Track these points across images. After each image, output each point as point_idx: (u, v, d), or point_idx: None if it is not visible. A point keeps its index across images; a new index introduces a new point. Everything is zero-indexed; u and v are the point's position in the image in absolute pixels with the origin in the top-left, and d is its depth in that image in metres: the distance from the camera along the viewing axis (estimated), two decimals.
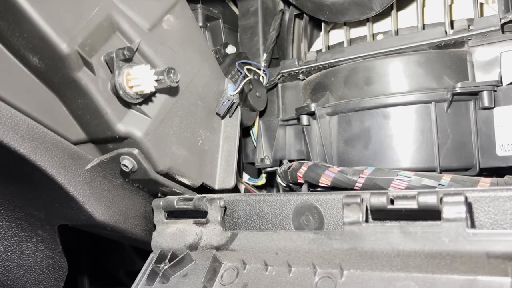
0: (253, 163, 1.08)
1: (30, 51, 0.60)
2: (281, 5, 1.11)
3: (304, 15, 1.03)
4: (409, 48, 0.83)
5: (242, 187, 1.06)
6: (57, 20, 0.58)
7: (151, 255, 0.76)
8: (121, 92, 0.64)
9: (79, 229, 0.82)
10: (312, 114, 0.92)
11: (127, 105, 0.67)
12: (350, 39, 0.94)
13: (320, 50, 0.97)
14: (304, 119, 0.94)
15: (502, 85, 0.78)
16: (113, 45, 0.65)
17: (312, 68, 0.95)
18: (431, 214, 0.53)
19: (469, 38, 0.79)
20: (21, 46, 0.60)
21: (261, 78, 1.02)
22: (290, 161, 1.02)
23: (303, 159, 0.96)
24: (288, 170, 0.86)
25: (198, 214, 0.72)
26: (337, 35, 0.98)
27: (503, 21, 0.75)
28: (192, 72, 0.79)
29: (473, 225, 0.54)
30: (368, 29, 0.91)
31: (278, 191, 1.11)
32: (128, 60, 0.66)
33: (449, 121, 0.79)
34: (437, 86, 0.81)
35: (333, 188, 0.76)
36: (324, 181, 0.76)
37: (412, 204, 0.53)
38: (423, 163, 0.79)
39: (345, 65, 0.90)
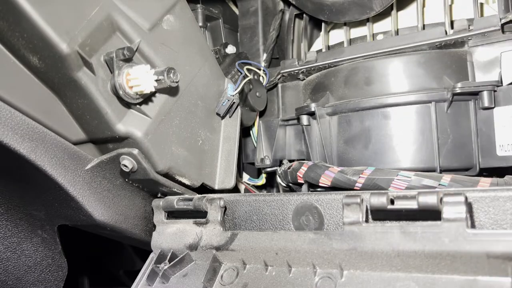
0: (253, 163, 1.08)
1: (30, 51, 0.60)
2: (281, 5, 1.11)
3: (304, 15, 1.03)
4: (409, 48, 0.83)
5: (242, 187, 1.06)
6: (57, 20, 0.58)
7: (151, 255, 0.76)
8: (121, 92, 0.64)
9: (79, 229, 0.81)
10: (312, 114, 0.92)
11: (127, 105, 0.67)
12: (350, 39, 0.94)
13: (320, 50, 0.97)
14: (304, 119, 0.94)
15: (502, 85, 0.78)
16: (113, 45, 0.65)
17: (312, 68, 0.95)
18: (431, 214, 0.53)
19: (469, 38, 0.79)
20: (21, 46, 0.60)
21: (261, 78, 1.02)
22: (290, 161, 1.02)
23: (303, 159, 0.96)
24: (288, 170, 0.86)
25: (198, 214, 0.72)
26: (337, 35, 0.98)
27: (503, 21, 0.75)
28: (192, 72, 0.79)
29: (473, 225, 0.54)
30: (368, 29, 0.91)
31: (278, 191, 1.11)
32: (128, 60, 0.66)
33: (449, 121, 0.79)
34: (437, 86, 0.81)
35: (333, 188, 0.76)
36: (324, 181, 0.76)
37: (412, 204, 0.53)
38: (423, 163, 0.79)
39: (345, 65, 0.90)
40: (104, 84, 0.65)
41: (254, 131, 1.07)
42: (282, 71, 1.00)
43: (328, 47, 0.98)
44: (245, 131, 1.08)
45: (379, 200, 0.55)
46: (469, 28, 0.79)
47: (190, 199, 0.72)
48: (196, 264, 0.70)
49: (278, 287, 0.60)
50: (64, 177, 0.66)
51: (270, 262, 0.63)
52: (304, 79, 1.00)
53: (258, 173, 1.14)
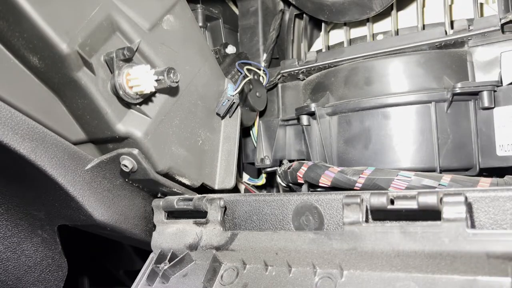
0: (253, 163, 1.08)
1: (30, 51, 0.60)
2: (281, 5, 1.11)
3: (304, 15, 1.03)
4: (409, 48, 0.83)
5: (242, 187, 1.06)
6: (57, 20, 0.58)
7: (151, 255, 0.76)
8: (121, 92, 0.64)
9: (79, 229, 0.81)
10: (312, 114, 0.92)
11: (127, 105, 0.67)
12: (350, 39, 0.94)
13: (320, 50, 0.97)
14: (304, 119, 0.94)
15: (502, 85, 0.78)
16: (113, 45, 0.65)
17: (312, 68, 0.95)
18: (431, 214, 0.53)
19: (469, 38, 0.79)
20: (21, 46, 0.60)
21: (261, 78, 1.02)
22: (290, 161, 1.02)
23: (303, 159, 0.96)
24: (288, 170, 0.86)
25: (198, 214, 0.72)
26: (337, 35, 0.98)
27: (503, 21, 0.75)
28: (192, 72, 0.79)
29: (473, 225, 0.54)
30: (368, 29, 0.91)
31: (278, 191, 1.11)
32: (128, 60, 0.66)
33: (449, 121, 0.79)
34: (437, 86, 0.81)
35: (333, 188, 0.76)
36: (324, 181, 0.76)
37: (412, 204, 0.53)
38: (423, 163, 0.79)
39: (345, 65, 0.90)
40: (104, 84, 0.65)
41: (254, 131, 1.07)
42: (282, 71, 1.00)
43: (328, 47, 0.98)
44: (245, 131, 1.08)
45: (379, 200, 0.55)
46: (469, 28, 0.79)
47: (190, 199, 0.72)
48: (196, 264, 0.70)
49: (278, 287, 0.60)
50: (64, 177, 0.66)
51: (270, 262, 0.63)
52: (304, 79, 1.00)
53: (258, 173, 1.14)
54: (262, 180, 1.09)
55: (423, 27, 0.85)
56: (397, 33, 0.88)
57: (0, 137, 0.58)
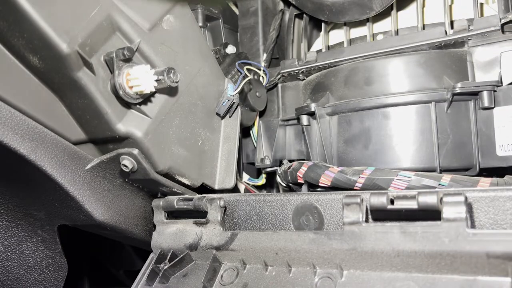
0: (253, 163, 1.08)
1: (30, 51, 0.60)
2: (281, 5, 1.11)
3: (304, 15, 1.03)
4: (409, 48, 0.83)
5: (242, 187, 1.06)
6: (57, 20, 0.58)
7: (151, 255, 0.76)
8: (121, 92, 0.64)
9: (79, 229, 0.82)
10: (312, 114, 0.92)
11: (127, 105, 0.67)
12: (350, 39, 0.94)
13: (320, 50, 0.97)
14: (304, 119, 0.94)
15: (502, 85, 0.78)
16: (113, 45, 0.65)
17: (312, 68, 0.95)
18: (431, 214, 0.53)
19: (469, 38, 0.79)
20: (21, 46, 0.60)
21: (261, 78, 1.02)
22: (290, 161, 1.02)
23: (303, 159, 0.96)
24: (288, 170, 0.86)
25: (198, 214, 0.72)
26: (337, 35, 0.98)
27: (503, 21, 0.75)
28: (192, 72, 0.79)
29: (473, 225, 0.54)
30: (368, 29, 0.91)
31: (278, 191, 1.11)
32: (128, 60, 0.66)
33: (449, 121, 0.79)
34: (437, 86, 0.81)
35: (333, 188, 0.76)
36: (324, 181, 0.76)
37: (412, 204, 0.53)
38: (423, 163, 0.80)
39: (345, 65, 0.90)
40: (104, 84, 0.65)
41: (254, 131, 1.07)
42: (282, 71, 1.00)
43: (328, 47, 0.98)
44: (245, 131, 1.08)
45: (379, 200, 0.55)
46: (469, 28, 0.79)
47: (190, 199, 0.72)
48: (196, 264, 0.70)
49: (278, 287, 0.60)
50: (64, 177, 0.66)
51: (270, 262, 0.63)
52: (304, 79, 1.00)
53: (258, 173, 1.14)
54: (262, 180, 1.09)
55: (423, 27, 0.85)
56: (397, 33, 0.88)
57: (0, 137, 0.58)
